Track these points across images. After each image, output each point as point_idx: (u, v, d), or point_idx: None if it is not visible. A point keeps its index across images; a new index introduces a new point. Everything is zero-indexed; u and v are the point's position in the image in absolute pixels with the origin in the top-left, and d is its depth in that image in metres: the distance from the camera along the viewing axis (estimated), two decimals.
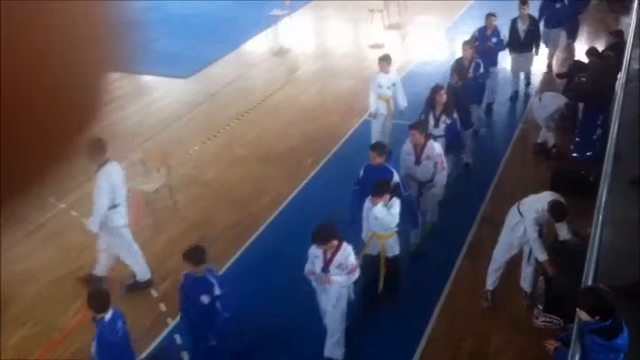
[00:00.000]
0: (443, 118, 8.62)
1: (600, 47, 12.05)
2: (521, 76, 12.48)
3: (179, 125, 11.95)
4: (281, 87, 13.40)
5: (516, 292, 7.49)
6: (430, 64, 13.88)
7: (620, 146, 7.72)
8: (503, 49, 11.66)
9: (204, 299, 5.98)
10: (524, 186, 9.52)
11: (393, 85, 10.07)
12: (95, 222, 7.36)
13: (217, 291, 5.98)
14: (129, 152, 10.57)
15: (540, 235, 7.02)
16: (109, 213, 7.37)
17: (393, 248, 7.11)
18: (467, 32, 14.51)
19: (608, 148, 7.56)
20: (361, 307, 7.16)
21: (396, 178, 7.32)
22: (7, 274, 7.64)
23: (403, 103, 10.08)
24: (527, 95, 12.50)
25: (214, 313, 6.00)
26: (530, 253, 7.18)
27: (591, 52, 11.11)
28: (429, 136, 7.97)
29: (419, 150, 7.86)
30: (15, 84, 0.54)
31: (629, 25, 12.63)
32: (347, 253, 6.19)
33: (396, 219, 6.82)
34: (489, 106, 11.75)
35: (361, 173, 7.55)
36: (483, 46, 11.11)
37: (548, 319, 7.01)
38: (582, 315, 4.80)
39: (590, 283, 5.36)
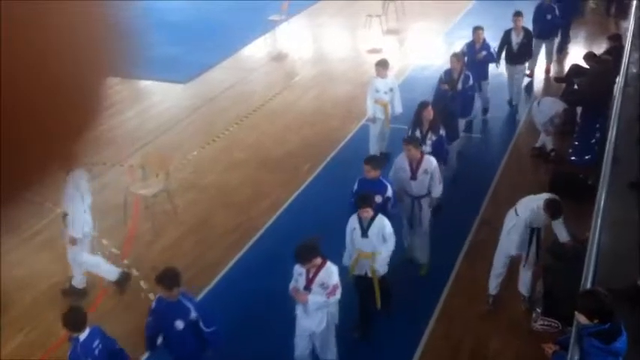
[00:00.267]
0: (429, 134, 8.38)
1: (598, 51, 12.08)
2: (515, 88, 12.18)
3: (178, 130, 11.96)
4: (279, 92, 13.41)
5: (515, 296, 7.49)
6: (428, 69, 13.89)
7: (619, 149, 7.73)
8: (493, 61, 11.41)
9: (179, 324, 5.74)
10: (522, 190, 9.52)
11: (391, 90, 10.09)
12: (78, 228, 7.35)
13: (194, 315, 5.76)
14: (128, 157, 10.58)
15: (534, 240, 7.03)
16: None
17: (382, 267, 6.87)
18: (465, 37, 14.57)
19: (606, 151, 7.57)
20: (359, 327, 7.05)
21: (390, 192, 7.19)
22: (4, 280, 7.62)
23: (398, 108, 10.10)
24: (512, 116, 12.13)
25: (189, 339, 5.79)
26: (528, 257, 7.19)
27: (589, 56, 11.14)
28: (423, 152, 7.76)
29: (415, 165, 7.64)
30: (15, 84, 0.54)
31: (627, 29, 12.66)
32: (330, 272, 6.03)
33: (392, 238, 6.72)
34: (485, 111, 11.63)
35: (355, 186, 7.37)
36: (473, 59, 10.89)
37: (546, 323, 7.01)
38: (581, 318, 4.80)
39: (588, 286, 5.36)
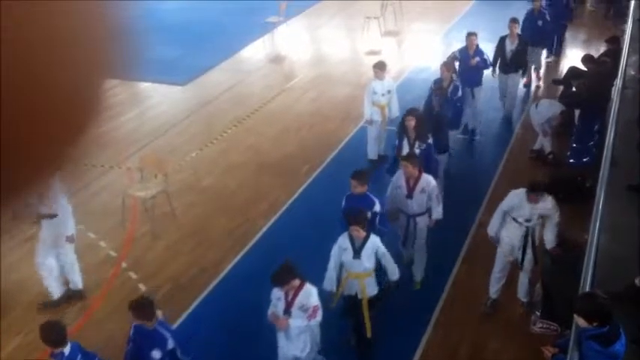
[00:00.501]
0: (417, 143, 8.17)
1: (595, 54, 12.09)
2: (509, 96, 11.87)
3: (176, 132, 11.95)
4: (278, 94, 13.41)
5: (513, 299, 7.49)
6: (426, 71, 13.90)
7: (617, 152, 7.74)
8: (486, 67, 11.10)
9: (156, 354, 5.58)
10: None
11: (388, 92, 10.10)
12: (72, 226, 7.35)
13: (171, 344, 5.60)
14: (126, 159, 10.56)
15: (529, 244, 7.03)
16: (52, 221, 7.24)
17: (372, 288, 6.69)
18: (463, 38, 14.60)
19: (604, 153, 7.58)
20: (354, 348, 6.92)
21: (377, 207, 6.98)
22: (4, 282, 7.61)
23: (395, 112, 10.09)
24: (509, 117, 11.97)
25: None
26: (523, 261, 7.18)
27: (587, 58, 11.15)
28: (422, 169, 7.48)
29: (412, 183, 7.40)
30: (14, 85, 0.53)
31: (624, 32, 12.67)
32: (309, 293, 5.87)
33: (387, 254, 6.58)
34: (473, 132, 11.17)
35: (343, 203, 7.18)
36: (466, 66, 10.70)
37: (545, 325, 7.01)
38: (580, 321, 4.80)
39: (587, 288, 5.36)
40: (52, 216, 7.24)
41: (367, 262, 6.53)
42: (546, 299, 7.03)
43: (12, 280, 8.02)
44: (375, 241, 6.50)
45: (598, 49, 13.27)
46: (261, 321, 7.26)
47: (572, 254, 6.73)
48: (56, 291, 7.71)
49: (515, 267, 7.36)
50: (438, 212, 7.52)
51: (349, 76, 14.02)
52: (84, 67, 0.59)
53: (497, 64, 11.49)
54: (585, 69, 11.11)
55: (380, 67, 10.03)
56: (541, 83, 13.25)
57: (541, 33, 12.58)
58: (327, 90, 13.54)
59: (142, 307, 5.64)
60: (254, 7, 17.38)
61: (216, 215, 9.42)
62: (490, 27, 14.54)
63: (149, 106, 13.13)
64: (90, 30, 0.59)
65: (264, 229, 9.05)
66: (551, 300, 6.94)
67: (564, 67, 13.35)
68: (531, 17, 12.61)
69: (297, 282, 5.87)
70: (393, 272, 6.71)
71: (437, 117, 8.89)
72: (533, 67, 12.85)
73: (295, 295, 5.91)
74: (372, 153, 10.36)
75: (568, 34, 15.85)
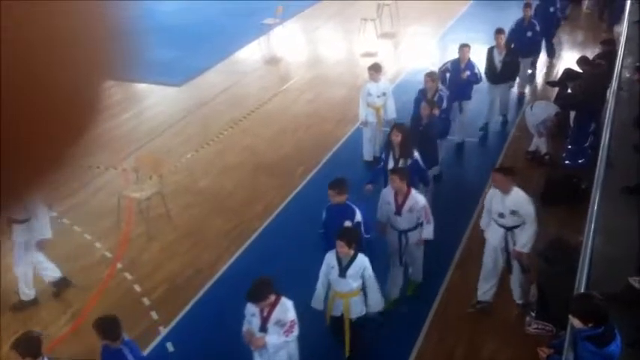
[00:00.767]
0: (401, 160, 7.91)
1: (591, 56, 12.12)
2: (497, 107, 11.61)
3: (172, 133, 11.94)
4: (274, 95, 13.41)
5: (508, 300, 7.49)
6: (422, 73, 13.87)
7: (612, 154, 7.77)
8: (477, 82, 10.68)
9: None
10: None
11: (384, 94, 10.10)
12: (48, 230, 7.32)
13: None
14: (121, 160, 10.54)
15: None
16: (23, 225, 7.17)
17: (359, 308, 6.48)
18: (459, 40, 14.60)
19: (600, 155, 7.60)
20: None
21: (359, 216, 6.78)
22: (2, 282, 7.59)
23: (392, 114, 10.09)
24: (503, 126, 11.72)
25: None
26: (510, 264, 7.16)
27: (583, 60, 11.17)
28: (410, 186, 7.20)
29: (400, 200, 7.12)
30: (14, 85, 0.53)
31: (619, 33, 12.71)
32: (285, 308, 5.71)
33: (372, 279, 6.41)
34: (461, 145, 10.97)
35: (324, 215, 7.00)
36: (457, 78, 10.42)
37: (540, 326, 7.02)
38: (575, 322, 4.80)
39: (582, 290, 5.37)
40: (23, 221, 7.10)
41: (353, 281, 6.34)
42: (541, 300, 7.04)
43: (9, 280, 7.99)
44: (363, 261, 6.31)
45: (593, 51, 13.29)
46: None
47: (566, 255, 6.73)
48: (29, 293, 7.67)
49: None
50: (428, 232, 7.25)
51: (345, 78, 14.03)
52: (84, 67, 0.59)
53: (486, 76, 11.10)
54: (581, 71, 11.13)
55: (375, 69, 10.05)
56: (526, 92, 12.92)
57: (530, 44, 12.35)
58: (323, 91, 13.55)
59: (104, 326, 5.47)
60: (250, 8, 17.37)
61: (212, 216, 9.41)
62: (486, 29, 14.55)
63: (145, 107, 13.11)
64: (90, 30, 0.59)
65: (260, 230, 9.05)
66: (546, 301, 6.95)
67: (560, 68, 13.38)
68: (521, 28, 12.28)
69: (273, 297, 5.70)
70: (376, 303, 6.52)
71: (425, 129, 8.65)
72: (525, 77, 12.66)
73: (271, 310, 5.74)
74: (368, 154, 10.37)
75: (564, 36, 15.91)
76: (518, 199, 6.92)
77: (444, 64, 10.97)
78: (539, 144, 10.35)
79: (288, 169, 10.48)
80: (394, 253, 7.38)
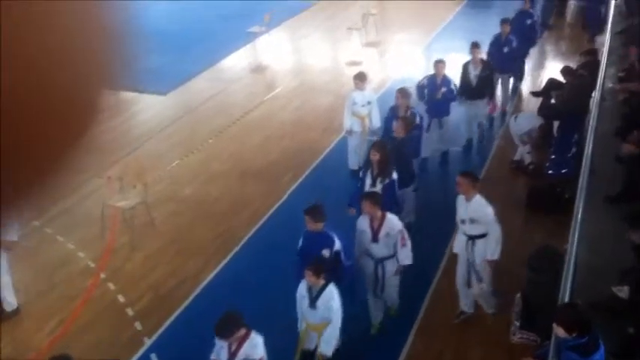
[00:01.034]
0: (379, 179, 7.68)
1: (574, 66, 12.22)
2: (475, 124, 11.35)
3: (158, 141, 11.89)
4: (260, 103, 13.41)
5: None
6: (407, 82, 13.95)
7: (595, 163, 7.83)
8: (453, 99, 10.45)
9: None
10: (500, 202, 9.59)
11: (369, 103, 10.13)
12: (14, 232, 7.19)
13: None
14: (106, 168, 10.48)
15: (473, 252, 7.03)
16: None
17: (331, 342, 6.12)
18: (444, 50, 14.69)
19: (583, 165, 7.66)
20: None
21: (338, 245, 6.50)
22: None
23: (376, 123, 10.10)
24: (481, 141, 11.43)
25: None
26: (469, 274, 7.17)
27: (566, 70, 11.26)
28: (385, 211, 6.90)
29: (376, 225, 6.83)
30: (12, 86, 0.53)
31: (602, 44, 12.84)
32: (254, 344, 5.49)
33: (338, 313, 6.05)
34: (445, 153, 10.79)
35: (300, 242, 6.72)
36: (433, 95, 10.20)
37: (525, 336, 7.04)
38: (559, 331, 4.83)
39: (566, 299, 5.40)
40: None
41: (324, 312, 6.07)
42: (526, 310, 7.06)
43: None
44: (331, 291, 6.04)
45: (577, 61, 13.41)
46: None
47: (552, 264, 6.76)
48: (12, 302, 7.60)
49: (496, 277, 7.40)
50: (404, 256, 6.92)
51: (331, 86, 14.06)
52: (84, 69, 0.59)
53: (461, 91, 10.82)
54: (564, 81, 11.22)
55: (360, 78, 10.08)
56: (507, 108, 12.51)
57: (507, 60, 12.03)
58: (309, 100, 13.56)
59: None
60: (236, 16, 17.40)
61: (197, 224, 9.37)
62: (471, 39, 14.64)
63: (130, 115, 13.05)
64: (90, 31, 0.59)
65: (246, 238, 9.02)
66: (531, 310, 6.97)
67: (543, 78, 13.47)
68: (498, 43, 12.03)
69: (242, 332, 5.48)
70: (328, 341, 6.12)
71: (399, 146, 8.37)
72: (501, 94, 12.33)
73: (240, 345, 5.52)
74: (353, 163, 10.38)
75: (548, 46, 16.05)
76: (479, 207, 6.91)
77: (421, 80, 10.75)
78: (524, 154, 10.42)
79: (274, 177, 10.47)
80: (370, 283, 7.12)
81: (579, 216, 6.59)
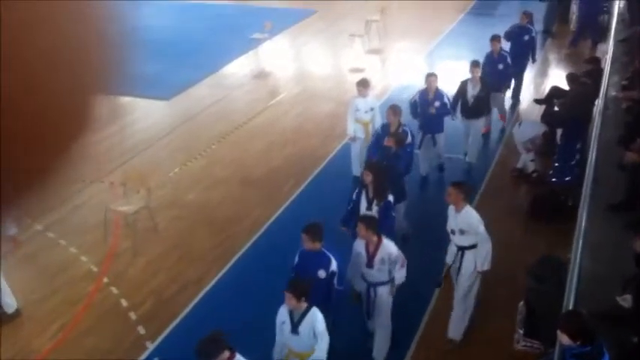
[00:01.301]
0: (375, 201, 7.42)
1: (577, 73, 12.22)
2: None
3: (160, 147, 11.90)
4: (262, 110, 13.42)
5: (494, 316, 7.48)
6: (410, 88, 13.98)
7: (599, 171, 7.83)
8: (447, 113, 10.19)
9: None
10: (502, 210, 9.60)
11: (371, 109, 10.14)
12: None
13: None
14: (109, 173, 10.49)
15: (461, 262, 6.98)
16: None
17: None
18: (446, 56, 14.72)
19: (586, 173, 7.66)
20: None
21: (334, 266, 6.26)
22: None
23: (379, 129, 10.09)
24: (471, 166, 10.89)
25: None
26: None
27: (571, 77, 11.25)
28: (381, 235, 6.61)
29: (372, 250, 6.56)
30: (6, 90, 0.53)
31: (605, 52, 12.85)
32: None
33: (324, 337, 5.73)
34: (441, 166, 10.60)
35: (296, 259, 6.49)
36: (425, 109, 9.94)
37: (528, 344, 7.02)
38: (564, 339, 4.81)
39: (570, 307, 5.39)
40: None
41: (307, 339, 5.74)
42: (530, 318, 7.04)
43: None
44: (314, 315, 5.71)
45: (580, 68, 13.42)
46: (243, 337, 7.21)
47: (555, 272, 6.75)
48: (11, 304, 7.58)
49: (499, 285, 7.38)
50: (399, 277, 6.66)
51: (333, 93, 14.07)
52: (77, 72, 0.59)
53: (459, 109, 10.58)
54: (568, 88, 11.22)
55: (363, 85, 10.08)
56: (505, 124, 12.25)
57: (502, 77, 11.67)
58: (311, 106, 13.58)
59: None
60: (239, 23, 17.46)
61: (199, 230, 9.37)
62: (473, 46, 14.70)
63: (133, 120, 13.07)
64: (84, 34, 0.59)
65: (248, 243, 9.01)
66: (535, 318, 6.96)
67: (546, 86, 13.48)
68: (491, 61, 11.59)
69: (226, 354, 5.14)
70: None
71: (390, 164, 8.13)
72: (495, 112, 11.98)
73: None
74: (356, 170, 10.36)
75: (551, 54, 16.08)
76: (469, 218, 6.84)
77: (413, 96, 10.43)
78: (527, 161, 10.41)
79: (276, 184, 10.47)
80: (365, 307, 6.94)
81: (583, 224, 6.58)
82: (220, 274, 8.43)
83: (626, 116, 9.69)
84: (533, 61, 13.16)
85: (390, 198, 7.43)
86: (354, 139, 10.18)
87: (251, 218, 9.58)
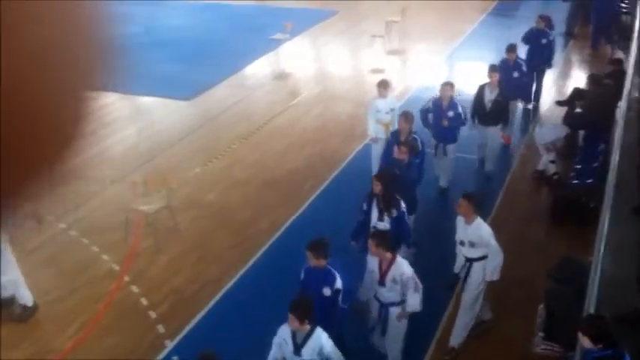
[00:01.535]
0: (386, 213, 7.20)
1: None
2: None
3: (180, 147, 11.97)
4: (282, 110, 13.45)
5: (510, 320, 7.41)
6: (430, 90, 13.90)
7: (621, 174, 7.73)
8: (462, 124, 9.78)
9: None
10: (524, 213, 9.53)
11: (392, 110, 10.10)
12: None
13: None
14: (129, 173, 10.58)
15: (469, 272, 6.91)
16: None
17: None
18: (467, 58, 14.64)
19: (609, 175, 7.57)
20: None
21: (339, 283, 6.08)
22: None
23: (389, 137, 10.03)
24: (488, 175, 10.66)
25: None
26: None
27: (593, 79, 11.13)
28: (395, 252, 6.41)
29: (384, 267, 6.34)
30: (9, 89, 0.53)
31: (627, 53, 12.69)
32: None
33: (336, 356, 5.58)
34: (443, 191, 10.12)
35: (302, 275, 6.36)
36: (439, 119, 9.60)
37: (548, 347, 6.96)
38: (585, 342, 4.77)
39: (591, 310, 5.33)
40: None
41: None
42: (549, 321, 6.98)
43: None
44: (320, 336, 5.52)
45: (601, 69, 13.27)
46: (258, 339, 7.22)
47: (576, 275, 6.68)
48: (29, 295, 7.67)
49: (515, 286, 7.32)
50: (413, 304, 6.34)
51: (353, 94, 14.06)
52: (69, 72, 0.59)
53: (476, 115, 10.35)
54: (590, 89, 11.11)
55: (383, 86, 10.06)
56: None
57: (517, 85, 11.42)
58: (331, 107, 13.58)
59: None
60: (259, 24, 17.50)
61: (219, 230, 9.41)
62: (494, 47, 14.58)
63: (154, 120, 13.17)
64: (76, 36, 0.59)
65: (266, 246, 9.03)
66: (555, 321, 6.89)
67: (568, 88, 13.35)
68: (506, 68, 11.21)
69: None
70: None
71: (402, 173, 7.94)
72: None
73: None
74: (376, 171, 10.34)
75: (572, 55, 15.92)
76: (479, 231, 6.74)
77: (426, 104, 10.19)
78: (547, 163, 10.31)
79: (296, 185, 10.49)
80: (376, 327, 6.71)
81: (605, 227, 6.51)
82: (239, 275, 8.46)
83: None
84: (550, 66, 12.95)
85: (403, 207, 7.22)
86: (375, 139, 10.16)
87: (270, 219, 9.60)
